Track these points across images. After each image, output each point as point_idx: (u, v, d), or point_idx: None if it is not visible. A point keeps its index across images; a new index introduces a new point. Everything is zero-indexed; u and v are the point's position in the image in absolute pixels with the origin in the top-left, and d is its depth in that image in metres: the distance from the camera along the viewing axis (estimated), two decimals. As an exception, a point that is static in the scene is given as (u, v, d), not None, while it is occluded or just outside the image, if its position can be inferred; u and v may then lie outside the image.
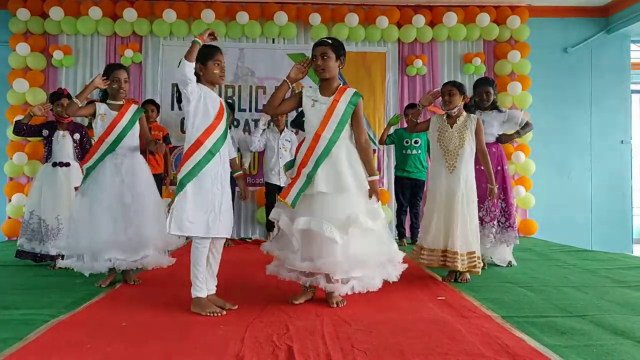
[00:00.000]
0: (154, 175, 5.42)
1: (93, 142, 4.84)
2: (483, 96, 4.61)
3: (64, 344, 2.49)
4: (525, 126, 4.72)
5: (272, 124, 6.19)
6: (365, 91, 7.14)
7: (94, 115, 3.82)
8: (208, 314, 3.00)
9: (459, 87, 4.08)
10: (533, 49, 7.16)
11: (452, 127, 4.06)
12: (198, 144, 3.08)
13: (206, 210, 3.07)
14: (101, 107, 3.84)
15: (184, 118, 6.93)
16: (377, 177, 3.28)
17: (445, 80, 7.22)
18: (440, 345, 2.47)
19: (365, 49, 7.24)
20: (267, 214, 6.35)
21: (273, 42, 7.20)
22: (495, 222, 4.51)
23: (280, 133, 6.13)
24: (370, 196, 3.22)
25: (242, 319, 2.89)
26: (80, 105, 3.74)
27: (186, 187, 3.05)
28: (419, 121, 4.35)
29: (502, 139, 4.63)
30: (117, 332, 2.69)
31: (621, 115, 7.59)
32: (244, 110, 7.11)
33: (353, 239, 3.11)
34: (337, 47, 3.27)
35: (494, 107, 4.68)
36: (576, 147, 7.50)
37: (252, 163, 6.92)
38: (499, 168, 4.55)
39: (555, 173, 7.46)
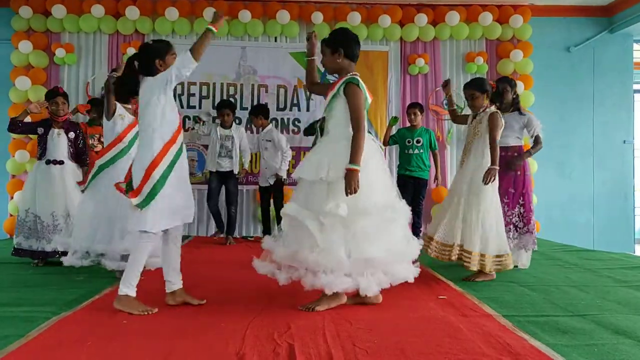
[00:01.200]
0: None
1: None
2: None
3: (65, 341, 2.50)
4: (536, 144, 4.68)
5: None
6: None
7: (113, 113, 3.99)
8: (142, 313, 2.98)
9: (480, 87, 4.02)
10: (535, 48, 7.14)
11: (471, 123, 4.07)
12: (173, 140, 3.07)
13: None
14: (120, 108, 4.04)
15: (186, 116, 6.99)
16: (353, 167, 2.94)
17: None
18: (441, 345, 2.47)
19: (368, 47, 7.21)
20: (262, 218, 6.45)
21: (275, 41, 7.18)
22: (512, 227, 4.48)
23: (258, 132, 6.31)
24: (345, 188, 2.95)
25: (243, 317, 2.89)
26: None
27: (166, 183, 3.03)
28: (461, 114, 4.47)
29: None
30: (118, 330, 2.69)
31: (624, 115, 7.57)
32: (246, 109, 7.08)
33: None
34: (332, 41, 3.19)
35: (516, 108, 4.63)
36: (578, 146, 7.49)
37: (253, 161, 6.92)
38: (519, 173, 4.54)
39: (557, 172, 7.45)
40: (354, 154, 2.97)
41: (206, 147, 6.69)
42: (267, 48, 7.15)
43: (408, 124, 6.20)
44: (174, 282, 3.21)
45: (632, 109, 7.63)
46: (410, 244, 3.20)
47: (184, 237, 6.40)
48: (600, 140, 7.51)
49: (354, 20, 6.96)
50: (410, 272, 3.19)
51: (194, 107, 7.03)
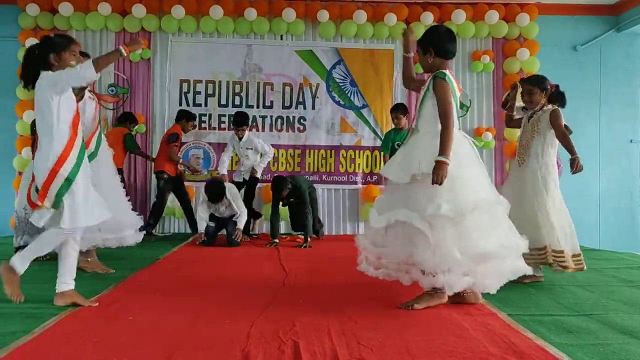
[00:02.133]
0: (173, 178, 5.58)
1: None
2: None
3: (71, 337, 2.51)
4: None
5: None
6: (372, 89, 7.16)
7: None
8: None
9: (540, 84, 3.95)
10: (542, 46, 7.12)
11: (529, 121, 4.01)
12: (73, 137, 3.00)
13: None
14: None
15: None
16: (442, 159, 2.87)
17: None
18: (446, 343, 2.47)
19: (373, 46, 7.23)
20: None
21: (281, 39, 7.20)
22: None
23: (239, 141, 6.26)
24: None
25: (247, 315, 2.89)
26: None
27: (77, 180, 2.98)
28: (515, 117, 4.30)
29: None
30: (123, 326, 2.71)
31: (630, 113, 7.53)
32: (252, 107, 7.11)
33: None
34: (423, 41, 3.19)
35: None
36: (584, 145, 7.40)
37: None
38: None
39: (563, 171, 7.41)
40: (443, 148, 2.91)
41: (211, 144, 6.75)
42: (273, 46, 7.17)
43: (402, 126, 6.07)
44: (68, 282, 3.13)
45: (638, 107, 7.59)
46: (518, 237, 3.09)
47: (188, 235, 6.42)
48: (607, 139, 7.48)
49: (359, 18, 6.95)
50: (522, 267, 3.06)
51: (199, 104, 7.04)
